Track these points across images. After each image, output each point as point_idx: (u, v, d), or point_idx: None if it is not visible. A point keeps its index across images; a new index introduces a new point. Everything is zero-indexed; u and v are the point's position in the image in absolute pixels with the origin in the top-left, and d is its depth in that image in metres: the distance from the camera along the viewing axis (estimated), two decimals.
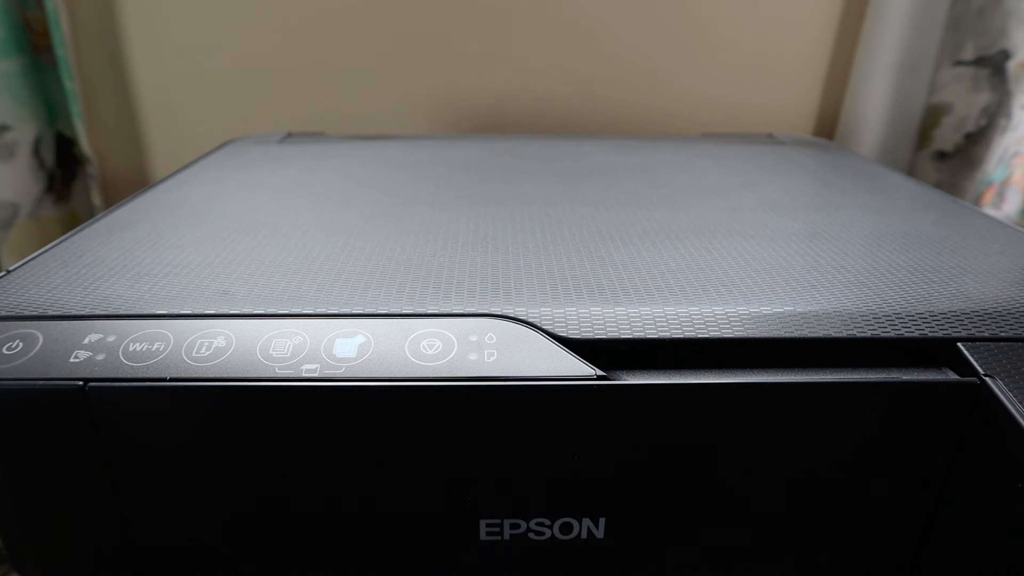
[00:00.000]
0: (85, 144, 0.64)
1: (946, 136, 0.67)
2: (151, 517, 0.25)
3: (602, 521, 0.25)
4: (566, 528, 0.25)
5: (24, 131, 0.60)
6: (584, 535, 0.25)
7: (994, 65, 0.65)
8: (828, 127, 0.71)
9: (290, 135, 0.57)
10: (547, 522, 0.25)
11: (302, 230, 0.33)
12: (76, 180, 0.66)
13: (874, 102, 0.67)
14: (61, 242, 0.32)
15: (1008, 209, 0.60)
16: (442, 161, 0.47)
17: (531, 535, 0.25)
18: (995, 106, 0.65)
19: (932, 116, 0.68)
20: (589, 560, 0.26)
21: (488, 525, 0.25)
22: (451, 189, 0.40)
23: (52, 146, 0.64)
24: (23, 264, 0.30)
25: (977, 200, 0.64)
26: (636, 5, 0.65)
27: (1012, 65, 0.63)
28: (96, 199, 0.66)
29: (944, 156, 0.68)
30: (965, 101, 0.66)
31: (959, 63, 0.66)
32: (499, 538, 0.25)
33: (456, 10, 0.64)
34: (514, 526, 0.25)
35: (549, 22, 0.65)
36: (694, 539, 0.26)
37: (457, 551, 0.25)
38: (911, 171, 0.70)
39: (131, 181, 0.68)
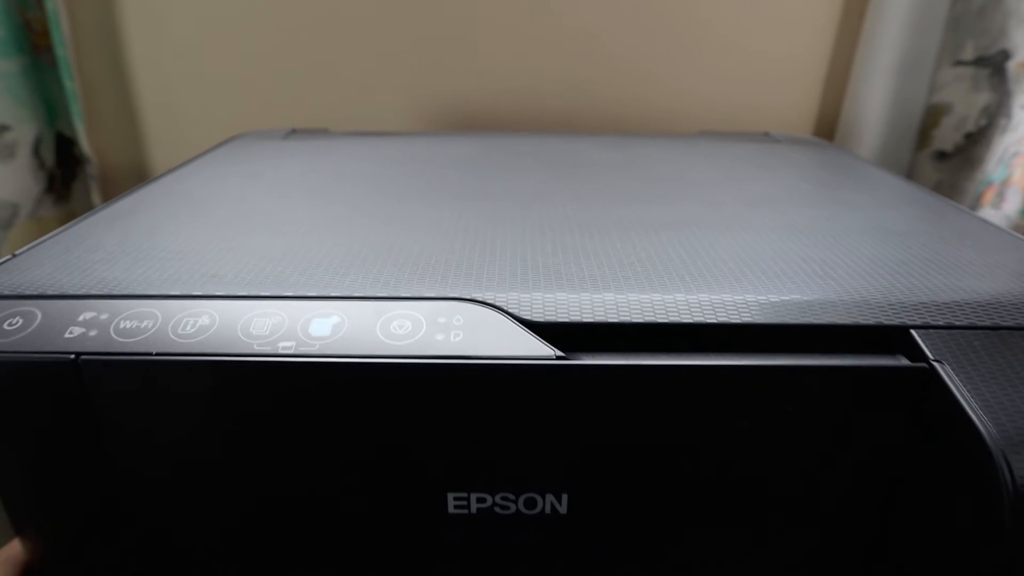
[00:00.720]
0: (85, 144, 0.66)
1: (946, 136, 0.69)
2: (139, 486, 0.27)
3: (565, 497, 0.26)
4: (530, 503, 0.27)
5: (24, 131, 0.63)
6: (548, 510, 0.27)
7: (994, 65, 0.66)
8: (828, 127, 0.72)
9: (294, 131, 0.60)
10: (512, 497, 0.26)
11: (293, 220, 0.35)
12: (76, 180, 0.69)
13: (874, 102, 0.69)
14: (66, 229, 0.35)
15: (1008, 209, 0.61)
16: (437, 157, 0.49)
17: (497, 509, 0.27)
18: (995, 106, 0.66)
19: (932, 116, 0.69)
20: (553, 535, 0.27)
21: (455, 499, 0.26)
22: (441, 184, 0.43)
23: (52, 146, 0.66)
24: (29, 248, 0.32)
25: (977, 200, 0.65)
26: (636, 5, 0.66)
27: (1012, 65, 0.65)
28: (96, 199, 0.68)
29: (944, 156, 0.69)
30: (965, 101, 0.67)
31: (959, 63, 0.67)
32: (466, 512, 0.27)
33: (455, 11, 0.66)
34: (480, 500, 0.26)
35: (550, 23, 0.67)
36: (653, 516, 0.27)
37: (427, 525, 0.27)
38: (911, 171, 0.71)
39: (131, 181, 0.71)
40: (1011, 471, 0.22)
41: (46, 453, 0.27)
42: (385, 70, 0.68)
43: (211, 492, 0.27)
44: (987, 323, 0.26)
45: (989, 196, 0.64)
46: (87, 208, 0.70)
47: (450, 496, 0.26)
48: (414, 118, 0.70)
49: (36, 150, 0.64)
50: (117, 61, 0.66)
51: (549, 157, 0.50)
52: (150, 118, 0.69)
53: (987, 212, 0.63)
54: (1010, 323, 0.26)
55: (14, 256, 0.31)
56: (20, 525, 0.30)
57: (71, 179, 0.68)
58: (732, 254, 0.31)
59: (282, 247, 0.32)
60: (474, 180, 0.44)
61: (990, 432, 0.22)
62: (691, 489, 0.27)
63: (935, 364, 0.24)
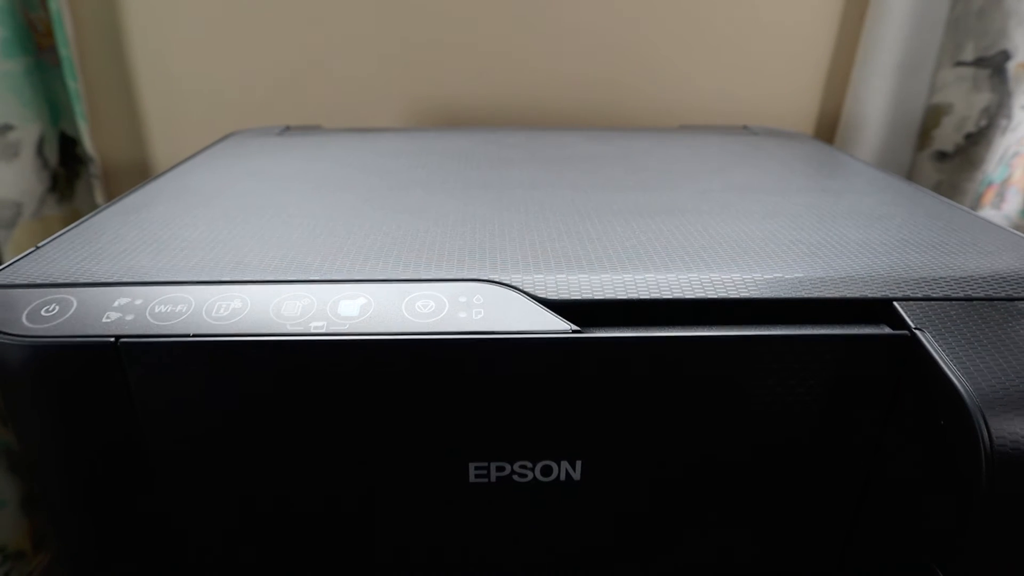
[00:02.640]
0: (88, 144, 0.70)
1: (946, 136, 0.73)
2: (175, 464, 0.30)
3: (579, 464, 0.30)
4: (546, 471, 0.30)
5: (28, 131, 0.66)
6: (563, 477, 0.30)
7: (994, 66, 0.70)
8: (829, 127, 0.76)
9: (288, 128, 0.63)
10: (529, 464, 0.30)
11: (305, 210, 0.39)
12: (79, 179, 0.72)
13: (875, 102, 0.73)
14: (81, 223, 0.38)
15: (1008, 209, 0.65)
16: (434, 150, 0.53)
17: (515, 477, 0.30)
18: (995, 106, 0.70)
19: (933, 116, 0.73)
20: (568, 500, 0.31)
21: (476, 468, 0.30)
22: (442, 175, 0.46)
23: (55, 145, 0.70)
24: (50, 241, 0.35)
25: (978, 200, 0.69)
26: (638, 4, 0.71)
27: (1012, 66, 0.69)
28: (99, 198, 0.72)
29: (944, 156, 0.73)
30: (965, 101, 0.72)
31: (959, 64, 0.71)
32: (486, 480, 0.30)
33: (444, 13, 0.70)
34: (499, 468, 0.30)
35: (548, 23, 0.71)
36: (661, 480, 0.31)
37: (449, 493, 0.30)
38: (912, 171, 0.75)
39: (132, 179, 0.74)
40: (987, 426, 0.25)
41: (85, 437, 0.30)
42: (375, 70, 0.72)
43: (245, 468, 0.30)
44: (961, 295, 0.30)
45: (989, 196, 0.68)
46: (90, 207, 0.73)
47: (471, 466, 0.30)
48: (402, 116, 0.74)
49: (40, 149, 0.67)
50: (119, 61, 0.70)
51: (542, 150, 0.54)
52: (151, 118, 0.73)
53: (987, 212, 0.67)
54: (981, 295, 0.30)
55: (37, 248, 0.35)
56: (56, 512, 0.33)
57: (74, 178, 0.72)
58: (725, 237, 0.35)
59: (300, 235, 0.35)
60: (472, 171, 0.47)
61: (968, 392, 0.26)
62: (696, 452, 0.30)
63: (916, 332, 0.28)
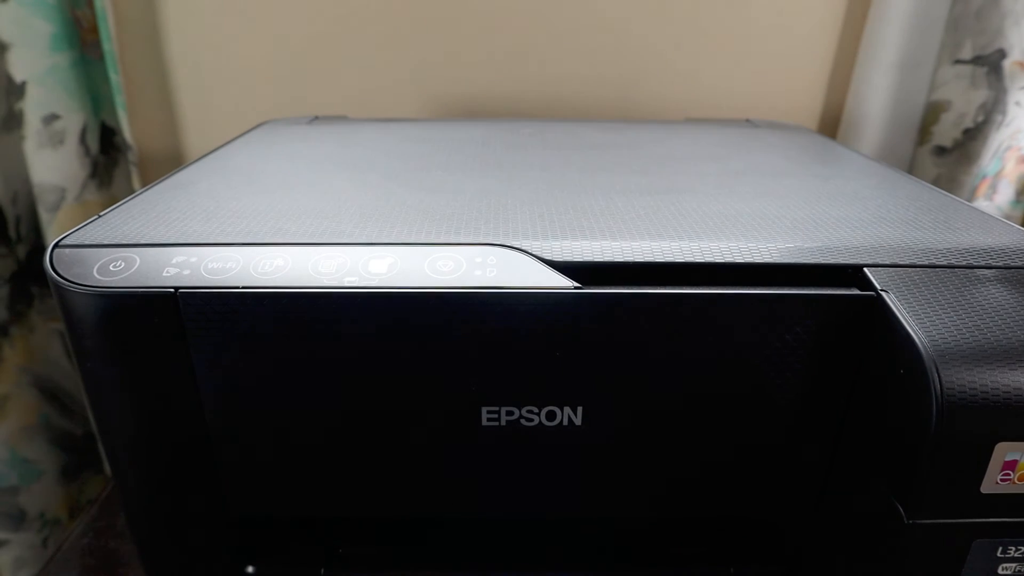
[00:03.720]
0: (127, 133, 0.74)
1: (945, 132, 0.76)
2: (227, 407, 0.35)
3: (580, 409, 0.34)
4: (551, 415, 0.34)
5: (72, 120, 0.71)
6: (566, 422, 0.34)
7: (991, 64, 0.73)
8: (832, 122, 0.80)
9: (317, 118, 0.68)
10: (535, 410, 0.34)
11: (336, 186, 0.43)
12: (117, 167, 0.77)
13: (876, 99, 0.76)
14: (135, 196, 0.42)
15: (1000, 200, 0.68)
16: (453, 137, 0.58)
17: (523, 421, 0.34)
18: (992, 103, 0.73)
19: (932, 113, 0.76)
20: (570, 443, 0.35)
21: (488, 412, 0.34)
22: (460, 158, 0.51)
23: (97, 135, 0.75)
24: (111, 210, 0.40)
25: (972, 192, 0.72)
26: (647, 4, 0.74)
27: (1008, 63, 0.72)
28: (136, 184, 0.77)
29: (943, 151, 0.76)
30: (964, 98, 0.75)
31: (958, 62, 0.74)
32: (497, 424, 0.34)
33: (466, 15, 0.74)
34: (509, 413, 0.34)
35: (561, 21, 0.75)
36: (653, 425, 0.35)
37: (464, 436, 0.34)
38: (912, 165, 0.78)
39: (167, 167, 0.79)
40: (940, 376, 0.29)
41: (147, 377, 0.34)
42: (398, 65, 0.77)
43: (283, 408, 0.34)
44: (925, 263, 0.33)
45: (983, 188, 0.71)
46: (128, 192, 0.78)
47: (484, 410, 0.34)
48: (424, 109, 0.79)
49: (83, 138, 0.72)
50: (157, 56, 0.75)
51: (553, 138, 0.58)
52: (185, 109, 0.78)
53: (981, 204, 0.70)
54: (943, 263, 0.34)
55: (100, 216, 0.39)
56: (116, 454, 0.37)
57: (113, 166, 0.77)
58: (716, 212, 0.39)
59: (333, 207, 0.39)
60: (489, 155, 0.52)
61: (924, 346, 0.29)
62: (685, 400, 0.34)
63: (882, 293, 0.32)
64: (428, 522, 0.40)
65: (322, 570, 0.40)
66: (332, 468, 0.36)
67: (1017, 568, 0.32)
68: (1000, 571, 0.32)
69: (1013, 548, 0.31)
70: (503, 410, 0.34)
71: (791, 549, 0.40)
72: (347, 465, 0.36)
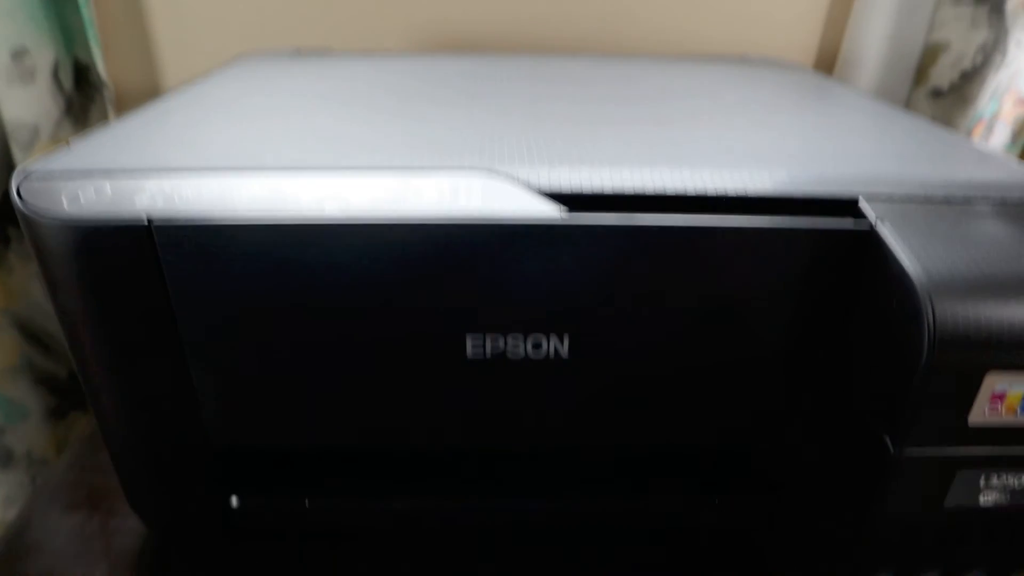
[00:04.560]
0: (102, 70, 0.72)
1: (942, 73, 0.74)
2: (205, 338, 0.34)
3: (566, 339, 0.33)
4: (537, 345, 0.33)
5: (43, 55, 0.68)
6: (552, 352, 0.33)
7: (993, 3, 0.71)
8: (828, 61, 0.78)
9: (298, 50, 0.66)
10: (521, 339, 0.33)
11: (318, 117, 0.42)
12: (94, 105, 0.75)
13: (874, 39, 0.74)
14: (106, 127, 0.41)
15: (995, 142, 0.68)
16: (440, 71, 0.56)
17: (508, 353, 0.33)
18: (992, 44, 0.71)
19: (930, 54, 0.75)
20: (556, 374, 0.34)
21: (473, 342, 0.33)
22: (446, 90, 0.49)
23: (70, 71, 0.72)
24: (81, 140, 0.38)
25: (968, 135, 0.71)
26: None
27: (1011, 2, 0.70)
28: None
29: (939, 93, 0.75)
30: (963, 39, 0.73)
31: (959, 1, 0.72)
32: (482, 354, 0.33)
33: None
34: (494, 343, 0.33)
35: None
36: (641, 357, 0.34)
37: (448, 367, 0.34)
38: (907, 107, 0.77)
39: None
40: (933, 308, 0.28)
41: (121, 308, 0.33)
42: None
43: (263, 340, 0.34)
44: (921, 195, 0.33)
45: (979, 131, 0.70)
46: None
47: (468, 338, 0.33)
48: (409, 42, 0.76)
49: (55, 74, 0.69)
50: None
51: (543, 72, 0.57)
52: (162, 45, 0.75)
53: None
54: (940, 195, 0.33)
55: (69, 146, 0.37)
56: (92, 384, 0.36)
57: (89, 104, 0.74)
58: (709, 143, 0.38)
59: (316, 135, 0.38)
60: (477, 87, 0.50)
61: (919, 278, 0.29)
62: (674, 330, 0.33)
63: (877, 224, 0.31)
64: (412, 453, 0.40)
65: (307, 501, 0.40)
66: (314, 399, 0.35)
67: (999, 498, 0.32)
68: (982, 501, 0.32)
69: (996, 478, 0.32)
70: (488, 340, 0.33)
71: (777, 480, 0.41)
72: (329, 396, 0.35)
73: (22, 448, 0.76)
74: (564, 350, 0.33)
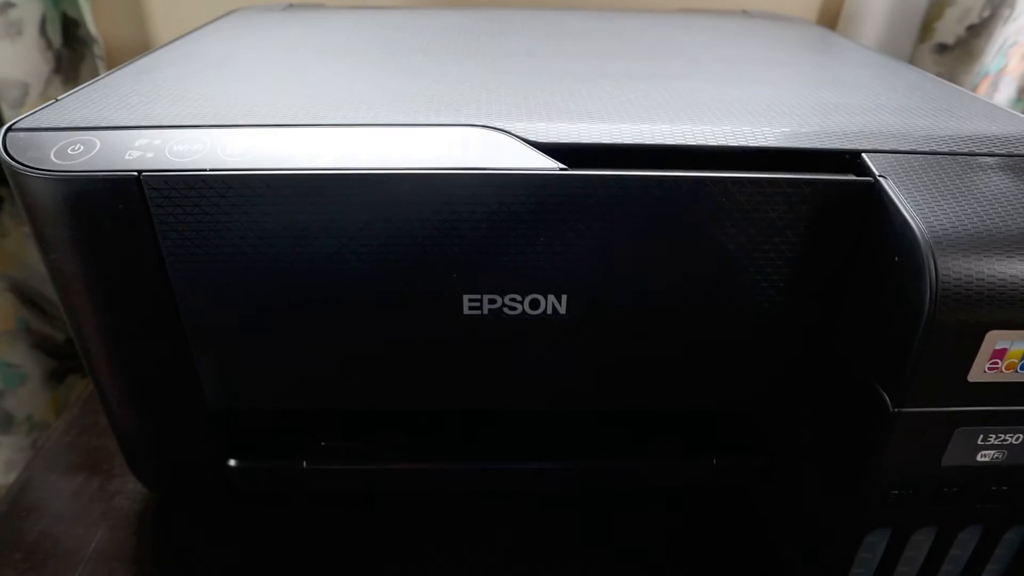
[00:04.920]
0: (91, 25, 0.70)
1: (948, 28, 0.73)
2: (200, 296, 0.33)
3: (564, 297, 0.33)
4: (534, 303, 0.33)
5: (29, 9, 0.67)
6: (550, 310, 0.33)
7: None
8: (831, 16, 0.77)
9: (291, 5, 0.64)
10: (519, 298, 0.33)
11: (312, 71, 0.41)
12: (84, 62, 0.73)
13: None
14: (94, 82, 0.40)
15: (1000, 98, 0.66)
16: (435, 25, 0.55)
17: (506, 310, 0.33)
18: None
19: (936, 8, 0.73)
20: (554, 333, 0.34)
21: (470, 300, 0.33)
22: (442, 44, 0.48)
23: (58, 26, 0.70)
24: (68, 95, 0.37)
25: (973, 91, 0.70)
26: None
27: None
28: None
29: (944, 48, 0.73)
30: None
31: None
32: (479, 312, 0.33)
33: None
34: (491, 301, 0.33)
35: None
36: (641, 315, 0.34)
37: (445, 325, 0.34)
38: (911, 63, 0.75)
39: None
40: (935, 263, 0.28)
41: (112, 264, 0.33)
42: None
43: (257, 295, 0.33)
44: (925, 149, 0.32)
45: (984, 87, 0.68)
46: None
47: (465, 298, 0.33)
48: None
49: (43, 29, 0.68)
50: None
51: (541, 26, 0.55)
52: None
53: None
54: (944, 150, 0.32)
55: (57, 100, 0.37)
56: (86, 341, 0.36)
57: (79, 60, 0.73)
58: (710, 97, 0.37)
59: (310, 90, 0.37)
60: (472, 42, 0.49)
61: (922, 233, 0.28)
62: (677, 286, 0.33)
63: (880, 179, 0.30)
64: (410, 414, 0.40)
65: (304, 463, 0.40)
66: (311, 359, 0.35)
67: (995, 455, 0.32)
68: (979, 458, 0.32)
69: (993, 436, 0.31)
70: (485, 298, 0.33)
71: (774, 440, 0.41)
72: (326, 356, 0.35)
73: (22, 412, 0.77)
74: (562, 308, 0.33)
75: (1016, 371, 0.30)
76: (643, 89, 0.38)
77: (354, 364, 0.35)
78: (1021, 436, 0.31)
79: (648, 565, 0.41)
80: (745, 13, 0.67)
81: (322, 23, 0.55)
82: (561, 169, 0.30)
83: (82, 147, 0.32)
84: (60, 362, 0.81)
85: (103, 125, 0.33)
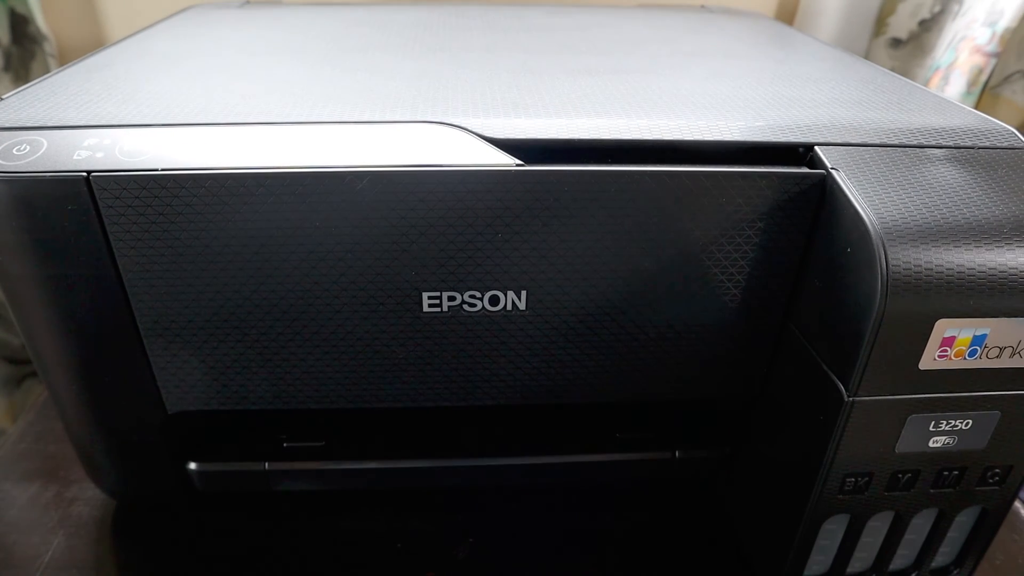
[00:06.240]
0: (40, 21, 0.68)
1: (901, 23, 0.74)
2: (154, 298, 0.33)
3: (523, 293, 0.33)
4: (494, 300, 0.33)
5: None
6: (509, 306, 0.33)
7: None
8: (788, 12, 0.77)
9: (248, 1, 0.63)
10: (478, 295, 0.33)
11: (266, 69, 0.40)
12: (34, 60, 0.71)
13: None
14: (42, 80, 0.38)
15: (951, 92, 0.68)
16: (393, 21, 0.54)
17: (465, 307, 0.33)
18: None
19: (889, 3, 0.74)
20: (514, 329, 0.34)
21: (429, 298, 0.32)
22: (400, 40, 0.48)
23: (6, 24, 0.68)
24: (14, 94, 0.36)
25: (925, 85, 0.71)
26: None
27: None
28: None
29: (898, 43, 0.75)
30: None
31: None
32: (439, 310, 0.33)
33: None
34: (451, 298, 0.33)
35: None
36: (600, 309, 0.34)
37: (405, 323, 0.33)
38: (867, 57, 0.77)
39: None
40: (886, 253, 0.28)
41: (62, 268, 0.32)
42: None
43: (211, 295, 0.33)
44: (876, 142, 0.32)
45: (936, 81, 0.70)
46: None
47: (424, 296, 0.32)
48: None
49: None
50: None
51: (500, 21, 0.55)
52: None
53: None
54: (895, 142, 0.33)
55: (2, 99, 0.36)
56: (38, 347, 0.35)
57: (29, 59, 0.71)
58: (666, 92, 0.37)
59: (263, 88, 0.36)
60: (431, 39, 0.49)
61: (872, 224, 0.29)
62: (633, 280, 0.33)
63: (832, 172, 0.31)
64: (371, 413, 0.40)
65: (266, 464, 0.39)
66: (269, 360, 0.35)
67: (947, 441, 0.33)
68: (931, 444, 0.33)
69: (944, 422, 0.32)
70: (444, 295, 0.33)
71: (734, 431, 0.41)
72: (284, 356, 0.35)
73: None
74: (522, 304, 0.33)
75: (964, 358, 0.30)
76: (601, 84, 0.38)
77: (313, 364, 0.35)
78: (970, 422, 0.32)
79: (615, 558, 0.41)
80: (704, 8, 0.68)
81: (279, 19, 0.54)
82: (518, 165, 0.30)
83: (28, 147, 0.31)
84: (16, 367, 0.79)
85: (50, 124, 0.32)
